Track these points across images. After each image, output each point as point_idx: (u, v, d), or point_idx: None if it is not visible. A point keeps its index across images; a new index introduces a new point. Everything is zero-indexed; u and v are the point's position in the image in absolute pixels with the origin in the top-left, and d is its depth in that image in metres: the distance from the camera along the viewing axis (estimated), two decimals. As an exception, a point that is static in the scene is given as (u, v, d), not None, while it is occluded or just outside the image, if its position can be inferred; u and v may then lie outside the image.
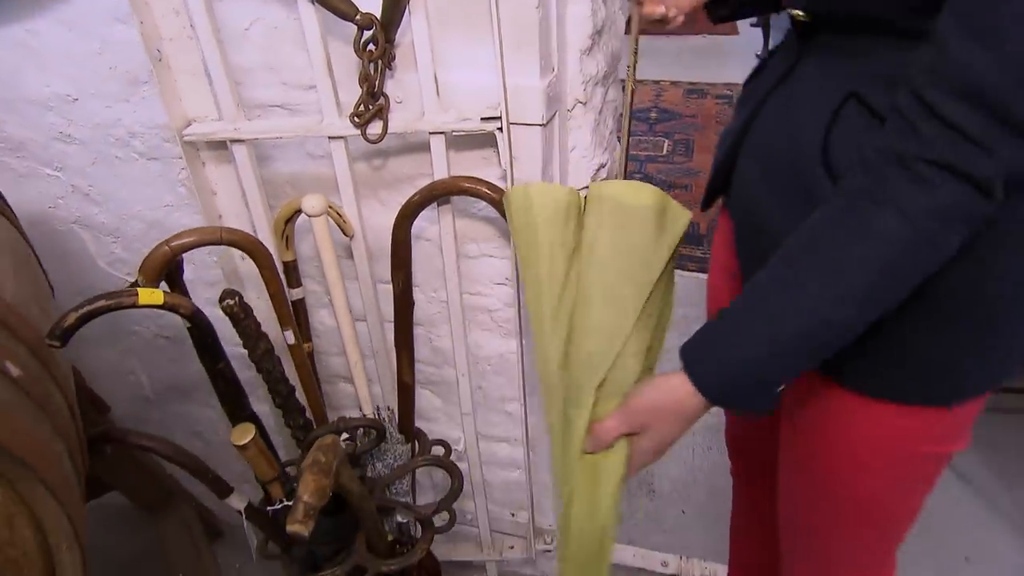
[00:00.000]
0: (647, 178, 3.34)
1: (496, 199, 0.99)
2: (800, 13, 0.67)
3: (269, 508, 0.98)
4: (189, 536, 1.55)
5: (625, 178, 0.87)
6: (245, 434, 0.79)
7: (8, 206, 1.02)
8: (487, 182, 1.00)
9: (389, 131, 0.99)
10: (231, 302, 0.97)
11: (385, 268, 1.19)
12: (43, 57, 1.14)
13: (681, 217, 0.78)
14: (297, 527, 0.71)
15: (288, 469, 1.10)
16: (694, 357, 0.65)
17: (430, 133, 0.99)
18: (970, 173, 0.47)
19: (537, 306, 0.78)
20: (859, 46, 0.63)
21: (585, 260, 0.77)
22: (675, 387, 0.65)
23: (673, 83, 4.33)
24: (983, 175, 0.47)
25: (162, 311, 0.90)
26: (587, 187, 0.74)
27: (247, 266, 1.18)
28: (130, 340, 1.55)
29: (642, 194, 0.75)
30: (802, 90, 0.70)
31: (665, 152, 3.56)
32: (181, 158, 1.13)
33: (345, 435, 1.10)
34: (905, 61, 0.54)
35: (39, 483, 0.59)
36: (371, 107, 0.98)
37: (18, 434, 0.57)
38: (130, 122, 1.20)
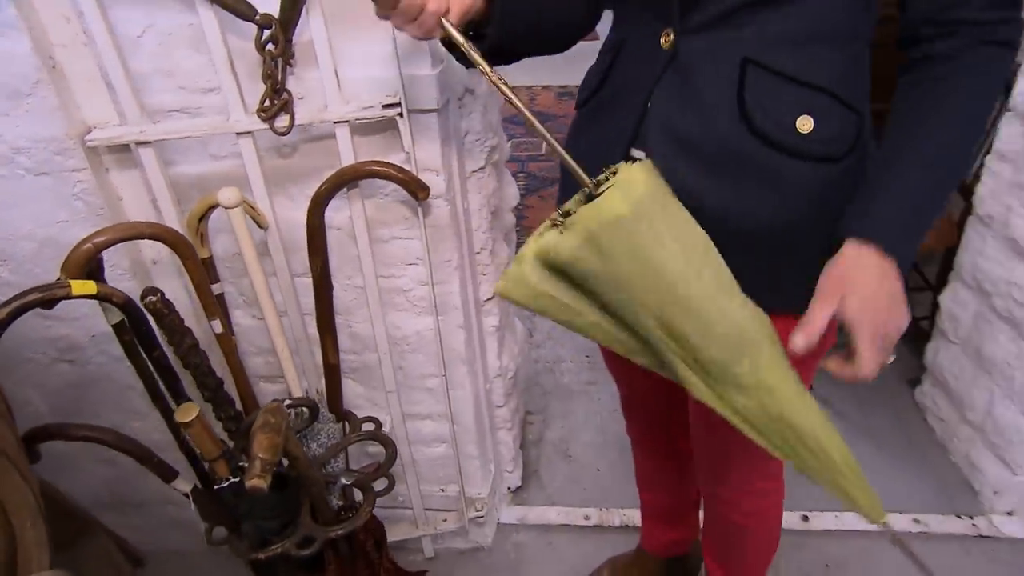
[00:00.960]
0: (531, 176, 3.53)
1: (403, 179, 1.08)
2: None
3: (216, 487, 1.01)
4: (110, 568, 1.50)
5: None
6: (189, 412, 0.82)
7: None
8: (393, 164, 1.09)
9: (296, 123, 1.06)
10: (153, 299, 0.99)
11: (299, 261, 1.24)
12: (-91, 76, 1.10)
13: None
14: (256, 481, 0.76)
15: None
16: (873, 226, 0.67)
17: (335, 123, 1.07)
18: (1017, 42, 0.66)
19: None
20: (740, 18, 0.69)
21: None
22: (868, 262, 0.66)
23: (544, 87, 4.59)
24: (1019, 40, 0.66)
25: (66, 319, 0.90)
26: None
27: (158, 268, 1.20)
28: (25, 369, 1.48)
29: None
30: (696, 72, 0.72)
31: (544, 151, 3.78)
32: (77, 171, 1.13)
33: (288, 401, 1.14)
34: (780, 19, 0.67)
35: (4, 457, 0.62)
36: (276, 102, 1.05)
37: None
38: (13, 137, 1.17)
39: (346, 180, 1.09)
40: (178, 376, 0.99)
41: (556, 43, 0.88)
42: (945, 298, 1.73)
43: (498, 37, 0.73)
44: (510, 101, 0.68)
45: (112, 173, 1.11)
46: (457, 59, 0.75)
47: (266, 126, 1.05)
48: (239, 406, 1.19)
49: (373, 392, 1.50)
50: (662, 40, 0.74)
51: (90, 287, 0.79)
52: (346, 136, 1.08)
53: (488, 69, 0.69)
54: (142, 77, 1.10)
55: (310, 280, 1.22)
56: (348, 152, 1.10)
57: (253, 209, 1.10)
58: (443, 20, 0.68)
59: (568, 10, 0.84)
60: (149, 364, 0.93)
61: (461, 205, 1.31)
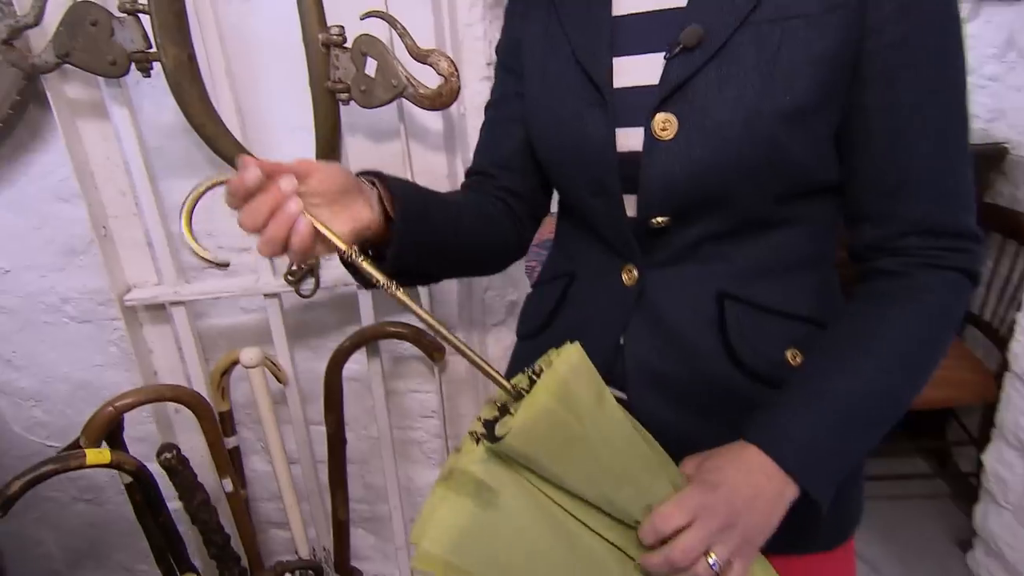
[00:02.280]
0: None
1: (420, 342, 1.10)
2: (660, 220, 0.63)
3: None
4: None
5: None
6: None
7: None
8: (411, 326, 1.11)
9: (320, 287, 1.10)
10: (169, 456, 1.01)
11: (316, 410, 1.25)
12: (-19, 235, 1.20)
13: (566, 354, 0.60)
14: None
15: (223, 625, 1.09)
16: (771, 434, 0.58)
17: (358, 287, 1.11)
18: (971, 270, 0.62)
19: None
20: (707, 251, 0.65)
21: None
22: (754, 461, 0.56)
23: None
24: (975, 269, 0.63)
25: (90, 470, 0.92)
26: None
27: (180, 417, 1.22)
28: (44, 507, 1.49)
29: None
30: (670, 310, 0.66)
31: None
32: (116, 319, 1.19)
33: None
34: (748, 251, 0.64)
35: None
36: (303, 267, 1.10)
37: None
38: (64, 289, 1.26)
39: (366, 340, 1.12)
40: (184, 542, 0.99)
41: (480, 268, 0.81)
42: (989, 457, 1.63)
43: (400, 263, 0.61)
44: (412, 310, 0.57)
45: (146, 328, 1.16)
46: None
47: (291, 289, 1.10)
48: (245, 562, 1.16)
49: (384, 544, 1.46)
50: (624, 276, 0.68)
51: (104, 456, 0.81)
52: (368, 299, 1.12)
53: (383, 279, 0.55)
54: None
55: (324, 429, 1.23)
56: (368, 313, 1.14)
57: (274, 365, 1.13)
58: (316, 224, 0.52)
59: (491, 235, 0.75)
60: (157, 531, 0.93)
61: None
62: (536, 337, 0.80)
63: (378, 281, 0.54)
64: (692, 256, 0.65)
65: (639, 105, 0.62)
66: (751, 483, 0.56)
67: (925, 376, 0.61)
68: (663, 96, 0.60)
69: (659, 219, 0.63)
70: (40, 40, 0.93)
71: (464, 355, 0.57)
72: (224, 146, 0.99)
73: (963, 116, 0.60)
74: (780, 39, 0.57)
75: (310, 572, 1.13)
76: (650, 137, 0.61)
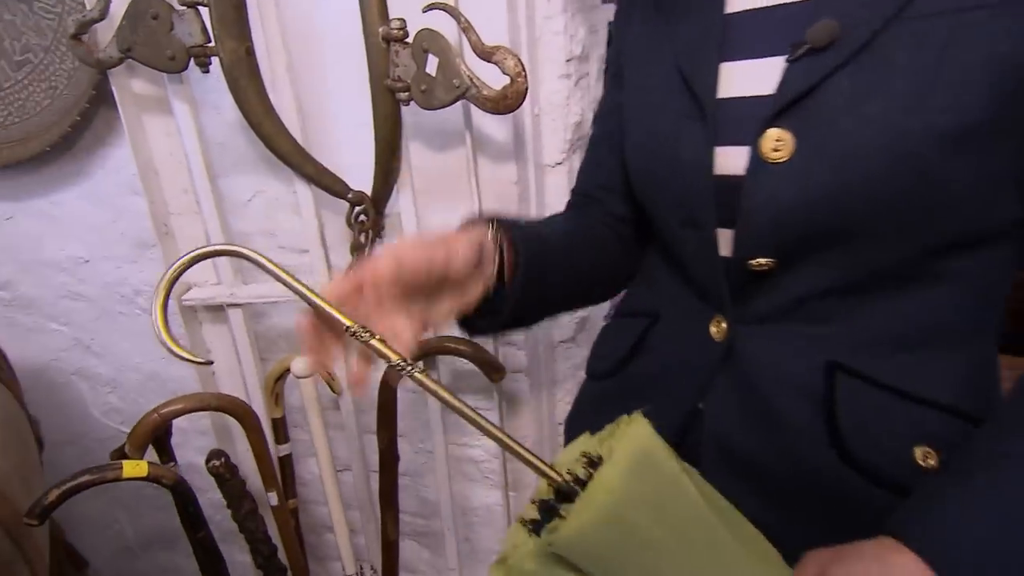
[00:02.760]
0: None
1: (479, 359, 1.02)
2: (762, 262, 0.52)
3: None
4: None
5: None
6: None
7: (11, 369, 1.05)
8: (471, 342, 1.03)
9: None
10: (217, 463, 0.98)
11: (371, 418, 1.20)
12: (62, 224, 1.22)
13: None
14: None
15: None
16: (936, 536, 0.43)
17: (416, 296, 1.04)
18: None
19: None
20: (821, 309, 0.53)
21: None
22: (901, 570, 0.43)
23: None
24: None
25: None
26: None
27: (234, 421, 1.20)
28: (117, 488, 1.54)
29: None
30: (763, 376, 0.54)
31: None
32: (178, 316, 1.18)
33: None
34: (879, 313, 0.51)
35: None
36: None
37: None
38: (136, 281, 1.27)
39: (426, 355, 1.05)
40: (223, 560, 0.96)
41: (588, 301, 0.75)
42: None
43: (514, 317, 0.58)
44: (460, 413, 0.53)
45: (205, 327, 1.15)
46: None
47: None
48: (291, 574, 1.13)
49: (437, 559, 1.40)
50: (712, 328, 0.58)
51: (142, 468, 0.78)
52: (426, 309, 1.05)
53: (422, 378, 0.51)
54: (246, 236, 1.15)
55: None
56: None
57: (328, 375, 1.08)
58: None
59: (604, 269, 0.70)
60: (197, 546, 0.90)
61: (546, 378, 1.23)
62: (606, 379, 0.70)
63: (401, 363, 0.50)
64: (799, 312, 0.53)
65: (747, 119, 0.51)
66: None
67: None
68: (779, 108, 0.48)
69: (760, 261, 0.51)
70: (107, 35, 0.91)
71: (503, 444, 0.51)
72: (281, 145, 0.94)
73: None
74: (946, 38, 0.44)
75: (353, 594, 1.08)
76: (757, 158, 0.50)
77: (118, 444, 1.42)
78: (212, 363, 0.54)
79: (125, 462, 0.79)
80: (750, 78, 0.52)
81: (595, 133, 0.75)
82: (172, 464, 0.98)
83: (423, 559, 1.42)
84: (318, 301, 0.48)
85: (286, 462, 1.14)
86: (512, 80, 0.77)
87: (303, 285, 0.49)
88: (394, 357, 0.49)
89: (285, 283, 0.50)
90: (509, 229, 0.57)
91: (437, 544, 1.37)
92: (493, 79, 0.82)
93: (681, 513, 0.47)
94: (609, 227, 0.71)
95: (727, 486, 0.54)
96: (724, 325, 0.57)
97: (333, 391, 1.11)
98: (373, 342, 0.48)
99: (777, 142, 0.49)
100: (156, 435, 0.90)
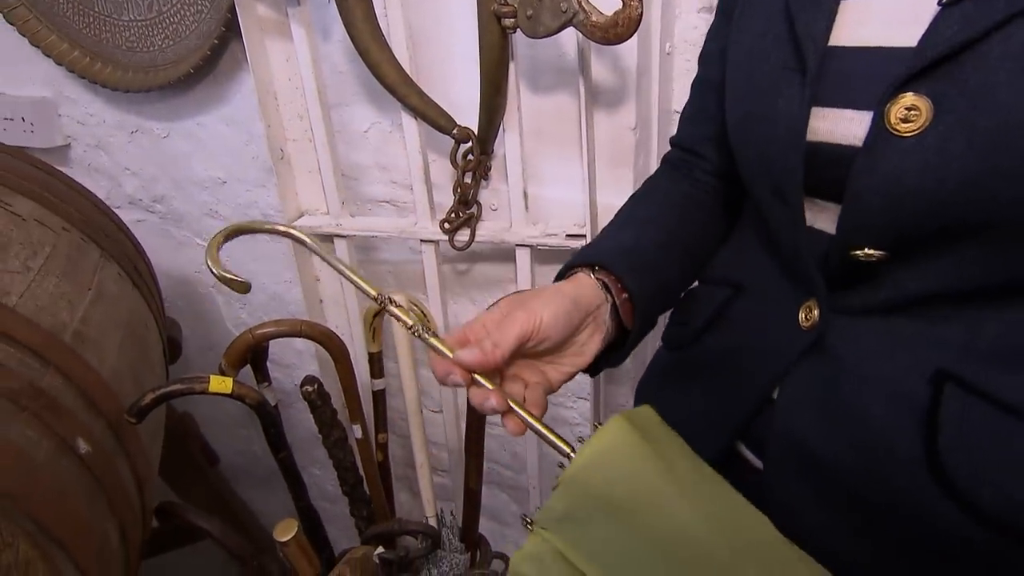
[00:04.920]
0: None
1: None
2: (871, 252, 0.44)
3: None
4: None
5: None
6: (287, 530, 0.80)
7: (153, 276, 1.14)
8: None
9: (476, 240, 1.00)
10: (310, 388, 1.01)
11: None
12: (206, 145, 1.30)
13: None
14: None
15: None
16: None
17: (516, 245, 0.98)
18: None
19: None
20: (938, 309, 0.45)
21: None
22: None
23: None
24: None
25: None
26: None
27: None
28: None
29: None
30: (853, 375, 0.47)
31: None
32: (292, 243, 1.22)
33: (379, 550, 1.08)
34: (1006, 326, 0.42)
35: (71, 563, 0.63)
36: (461, 215, 1.00)
37: (63, 518, 0.62)
38: (264, 204, 1.33)
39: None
40: (303, 483, 0.99)
41: (697, 276, 0.69)
42: None
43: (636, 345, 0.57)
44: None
45: (314, 257, 1.17)
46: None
47: (447, 237, 1.01)
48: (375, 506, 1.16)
49: (526, 511, 1.38)
50: (802, 314, 0.50)
51: (227, 384, 0.81)
52: (526, 261, 0.99)
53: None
54: (363, 168, 1.15)
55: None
56: (525, 276, 1.00)
57: (423, 315, 1.07)
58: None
59: (714, 245, 0.65)
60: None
61: (649, 344, 1.13)
62: (684, 349, 0.64)
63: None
64: (910, 310, 0.45)
65: (873, 77, 0.40)
66: None
67: None
68: (920, 67, 0.38)
69: (868, 251, 0.43)
70: (232, -46, 0.91)
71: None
72: (387, 73, 0.91)
73: None
74: None
75: (428, 539, 1.08)
76: (880, 127, 0.39)
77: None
78: (249, 286, 0.55)
79: (212, 377, 0.82)
80: (883, 22, 0.41)
81: (699, 76, 0.65)
82: (266, 385, 1.01)
83: (511, 511, 1.41)
84: (356, 279, 0.56)
85: (379, 397, 1.16)
86: (624, 5, 0.66)
87: (340, 263, 0.57)
88: (410, 322, 0.54)
89: (324, 258, 0.57)
90: (616, 278, 0.55)
91: (525, 499, 1.35)
92: (607, 6, 0.71)
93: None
94: (711, 191, 0.64)
95: (790, 486, 0.49)
96: (816, 313, 0.49)
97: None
98: (396, 310, 0.54)
99: (911, 109, 0.38)
100: (252, 354, 0.93)
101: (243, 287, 0.58)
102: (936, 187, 0.38)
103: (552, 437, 0.48)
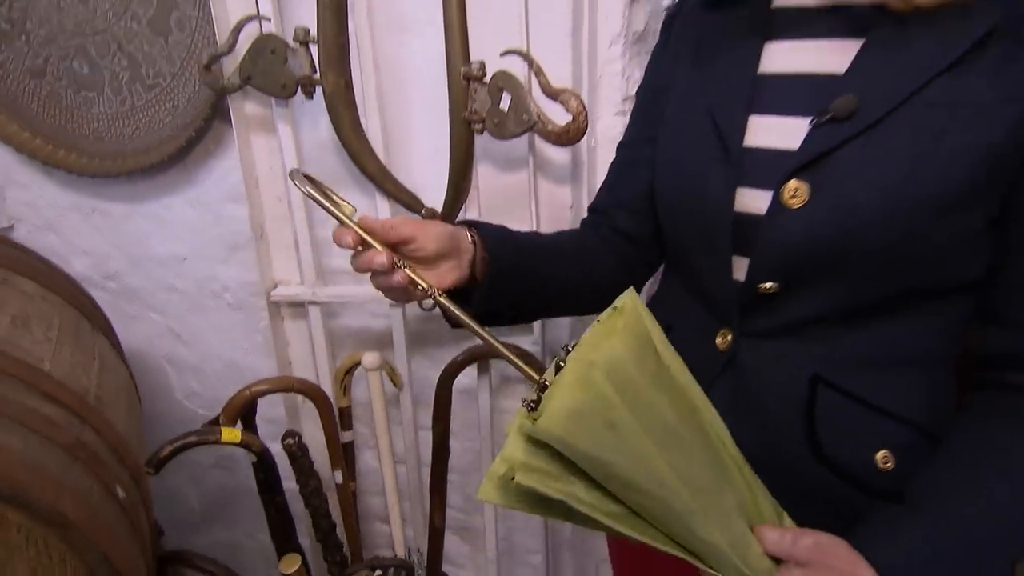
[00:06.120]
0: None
1: (526, 371, 1.13)
2: (769, 286, 0.60)
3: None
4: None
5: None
6: (292, 563, 0.89)
7: (122, 352, 1.21)
8: (523, 349, 1.14)
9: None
10: (291, 441, 1.11)
11: (426, 415, 1.32)
12: (170, 226, 1.39)
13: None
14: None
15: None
16: (889, 555, 0.53)
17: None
18: None
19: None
20: (810, 331, 0.61)
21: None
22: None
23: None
24: None
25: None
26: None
27: (306, 408, 1.33)
28: (191, 468, 1.69)
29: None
30: (757, 382, 0.64)
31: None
32: (263, 311, 1.33)
33: (378, 572, 1.18)
34: (856, 338, 0.60)
35: None
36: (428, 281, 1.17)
37: (120, 551, 0.70)
38: (225, 279, 1.42)
39: (477, 357, 1.16)
40: (294, 524, 1.08)
41: (586, 309, 0.79)
42: None
43: (487, 309, 0.69)
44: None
45: (286, 322, 1.29)
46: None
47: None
48: (347, 550, 1.25)
49: (476, 554, 1.50)
50: (718, 339, 0.67)
51: (236, 435, 0.91)
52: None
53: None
54: (327, 243, 1.30)
55: (431, 435, 1.29)
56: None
57: (392, 370, 1.21)
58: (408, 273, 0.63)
59: (598, 279, 0.77)
60: (272, 508, 1.03)
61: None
62: None
63: (428, 288, 0.64)
64: (794, 332, 0.62)
65: (771, 167, 0.60)
66: None
67: None
68: (801, 163, 0.57)
69: (767, 285, 0.61)
70: (230, 66, 1.07)
71: (486, 340, 0.65)
72: (368, 164, 1.08)
73: None
74: (942, 126, 0.52)
75: (403, 571, 1.18)
76: (777, 202, 0.59)
77: (194, 425, 1.57)
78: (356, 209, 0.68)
79: (223, 428, 0.92)
80: (776, 133, 0.61)
81: (619, 158, 0.83)
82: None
83: (463, 553, 1.52)
84: (368, 237, 0.63)
85: (348, 448, 1.27)
86: (575, 118, 0.89)
87: (352, 220, 0.64)
88: (424, 284, 0.64)
89: (340, 218, 0.64)
90: (485, 233, 0.69)
91: (478, 539, 1.47)
92: (558, 115, 0.94)
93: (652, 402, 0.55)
94: (611, 243, 0.80)
95: None
96: (729, 337, 0.66)
97: (395, 385, 1.24)
98: (407, 271, 0.63)
99: (795, 190, 0.58)
100: (246, 410, 1.03)
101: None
102: (811, 242, 0.57)
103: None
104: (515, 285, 0.71)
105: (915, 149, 0.53)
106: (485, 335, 0.64)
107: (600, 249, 0.78)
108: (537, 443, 0.55)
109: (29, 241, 1.49)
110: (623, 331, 0.57)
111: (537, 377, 0.60)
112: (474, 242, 0.69)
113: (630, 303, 0.60)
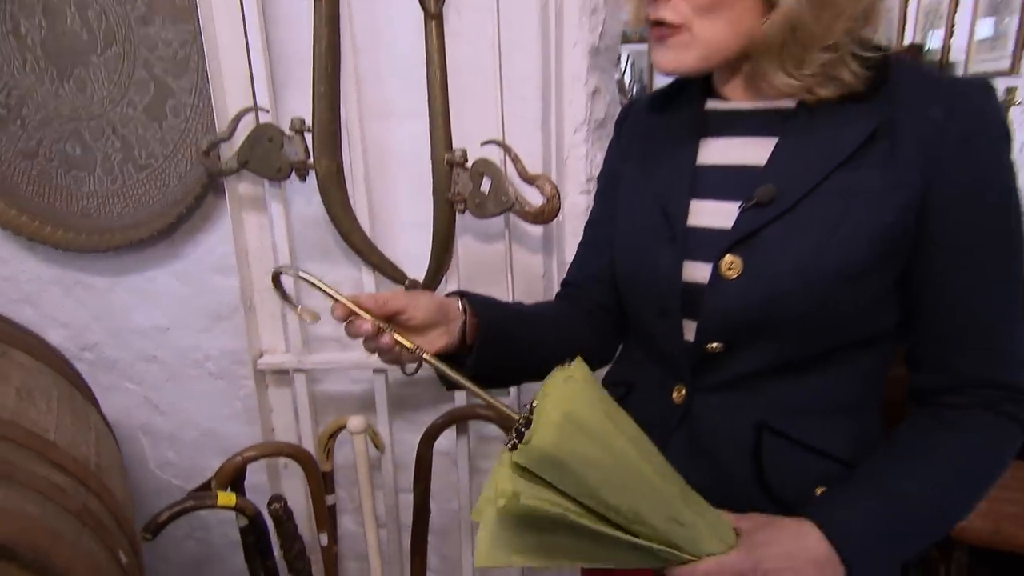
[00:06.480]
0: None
1: (505, 425, 1.20)
2: (715, 345, 0.69)
3: None
4: None
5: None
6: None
7: (108, 421, 1.23)
8: (500, 410, 1.21)
9: (423, 368, 1.24)
10: (277, 506, 1.14)
11: (405, 478, 1.36)
12: (153, 298, 1.43)
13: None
14: None
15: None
16: (833, 518, 0.64)
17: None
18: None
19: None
20: (755, 383, 0.70)
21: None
22: (809, 542, 0.62)
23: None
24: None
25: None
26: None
27: (288, 471, 1.37)
28: (161, 540, 1.66)
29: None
30: (710, 431, 0.72)
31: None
32: (245, 379, 1.37)
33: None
34: (794, 389, 0.69)
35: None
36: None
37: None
38: (207, 348, 1.46)
39: (457, 419, 1.23)
40: (282, 585, 1.10)
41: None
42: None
43: (479, 372, 0.73)
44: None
45: (270, 389, 1.33)
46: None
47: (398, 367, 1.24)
48: (328, 616, 1.26)
49: (456, 615, 1.51)
50: (674, 394, 0.74)
51: (230, 499, 0.95)
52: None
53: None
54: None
55: (411, 497, 1.33)
56: (462, 394, 1.25)
57: (375, 434, 1.26)
58: (396, 337, 0.68)
59: (575, 346, 0.80)
60: (261, 572, 1.05)
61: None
62: None
63: (415, 348, 0.69)
64: (739, 385, 0.70)
65: (710, 244, 0.69)
66: (796, 567, 0.62)
67: (973, 501, 0.66)
68: (734, 240, 0.67)
69: (714, 345, 0.69)
70: (227, 150, 1.16)
71: (470, 389, 0.70)
72: (355, 239, 1.17)
73: (1019, 286, 0.65)
74: (844, 210, 0.64)
75: (386, 633, 1.20)
76: (716, 273, 0.69)
77: (169, 496, 1.57)
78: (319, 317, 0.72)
79: (219, 493, 0.95)
80: (713, 215, 0.72)
81: (586, 236, 0.92)
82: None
83: (441, 616, 1.53)
84: (357, 309, 0.67)
85: (331, 512, 1.30)
86: (549, 200, 1.00)
87: (342, 295, 0.68)
88: (410, 345, 0.69)
89: (333, 296, 0.68)
90: (475, 301, 0.75)
91: (455, 600, 1.49)
92: (533, 196, 1.05)
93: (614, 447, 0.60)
94: (586, 312, 0.87)
95: None
96: (683, 392, 0.73)
97: (377, 448, 1.28)
98: (396, 335, 0.68)
99: (731, 263, 0.67)
100: (237, 476, 1.07)
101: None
102: (746, 309, 0.66)
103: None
104: (503, 349, 0.76)
105: (823, 229, 0.64)
106: (468, 384, 0.69)
107: (575, 318, 0.87)
108: (524, 474, 0.59)
109: (3, 314, 1.51)
110: (581, 375, 0.65)
111: (516, 416, 0.66)
112: (464, 310, 0.75)
113: (579, 366, 0.67)
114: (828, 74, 0.65)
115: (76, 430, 0.93)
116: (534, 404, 0.65)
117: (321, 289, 0.71)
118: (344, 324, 0.70)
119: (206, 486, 1.07)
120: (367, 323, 0.67)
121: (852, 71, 0.64)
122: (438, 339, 0.73)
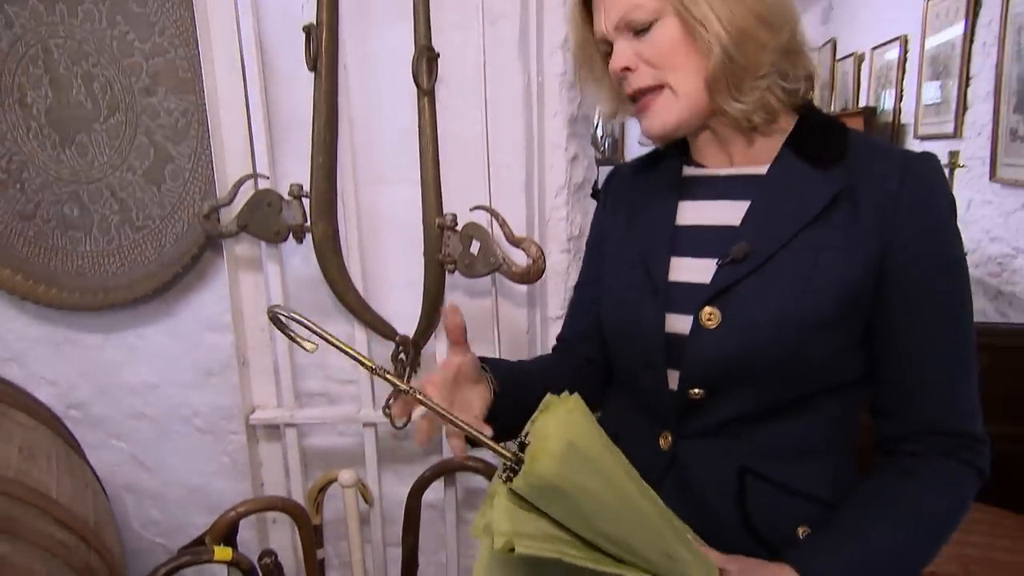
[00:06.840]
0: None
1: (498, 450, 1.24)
2: (697, 392, 0.73)
3: None
4: None
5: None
6: None
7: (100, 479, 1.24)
8: (489, 463, 1.25)
9: (412, 420, 1.27)
10: (268, 561, 1.15)
11: (392, 532, 1.38)
12: (143, 355, 1.46)
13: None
14: None
15: None
16: (810, 565, 0.68)
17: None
18: (979, 466, 0.72)
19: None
20: (735, 430, 0.74)
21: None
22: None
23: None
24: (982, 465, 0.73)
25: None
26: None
27: (277, 525, 1.38)
28: (141, 602, 1.64)
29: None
30: (696, 477, 0.75)
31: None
32: (233, 433, 1.39)
33: None
34: (772, 434, 0.74)
35: None
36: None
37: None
38: (196, 404, 1.48)
39: (444, 471, 1.26)
40: (273, 642, 1.11)
41: None
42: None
43: (506, 423, 0.75)
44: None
45: (261, 444, 1.36)
46: None
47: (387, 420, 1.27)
48: (316, 675, 1.25)
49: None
50: (661, 441, 0.78)
51: (227, 554, 0.97)
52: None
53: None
54: (304, 368, 1.40)
55: (399, 551, 1.35)
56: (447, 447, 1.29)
57: (364, 488, 1.28)
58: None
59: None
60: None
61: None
62: None
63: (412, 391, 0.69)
64: (721, 432, 0.75)
65: (691, 297, 0.75)
66: None
67: (937, 543, 0.71)
68: (712, 294, 0.74)
69: (696, 391, 0.74)
70: (226, 214, 1.21)
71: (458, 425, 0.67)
72: (349, 300, 1.22)
73: (970, 341, 0.72)
74: (812, 264, 0.71)
75: None
76: (697, 325, 0.74)
77: (151, 556, 1.56)
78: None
79: (216, 547, 0.97)
80: (692, 271, 0.78)
81: (576, 296, 0.98)
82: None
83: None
84: (353, 352, 0.68)
85: (321, 565, 1.30)
86: (534, 261, 1.07)
87: (344, 344, 0.68)
88: (403, 384, 0.68)
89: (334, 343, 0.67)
90: (490, 362, 0.80)
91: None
92: (519, 257, 1.12)
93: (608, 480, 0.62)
94: (577, 365, 0.93)
95: None
96: (670, 439, 0.77)
97: (366, 501, 1.31)
98: (389, 376, 0.66)
99: (710, 315, 0.73)
100: (231, 530, 1.09)
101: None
102: (725, 358, 0.70)
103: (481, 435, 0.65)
104: (512, 404, 0.78)
105: (794, 283, 0.70)
106: (458, 421, 0.68)
107: (571, 371, 0.93)
108: (520, 507, 0.59)
109: (-4, 374, 1.51)
110: (580, 409, 0.67)
111: (508, 455, 0.65)
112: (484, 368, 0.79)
113: (577, 400, 0.69)
114: (762, 101, 0.73)
115: (75, 488, 0.95)
116: (526, 436, 0.65)
117: (343, 349, 0.69)
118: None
119: (199, 541, 1.08)
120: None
121: (777, 98, 0.73)
122: (484, 393, 0.76)
